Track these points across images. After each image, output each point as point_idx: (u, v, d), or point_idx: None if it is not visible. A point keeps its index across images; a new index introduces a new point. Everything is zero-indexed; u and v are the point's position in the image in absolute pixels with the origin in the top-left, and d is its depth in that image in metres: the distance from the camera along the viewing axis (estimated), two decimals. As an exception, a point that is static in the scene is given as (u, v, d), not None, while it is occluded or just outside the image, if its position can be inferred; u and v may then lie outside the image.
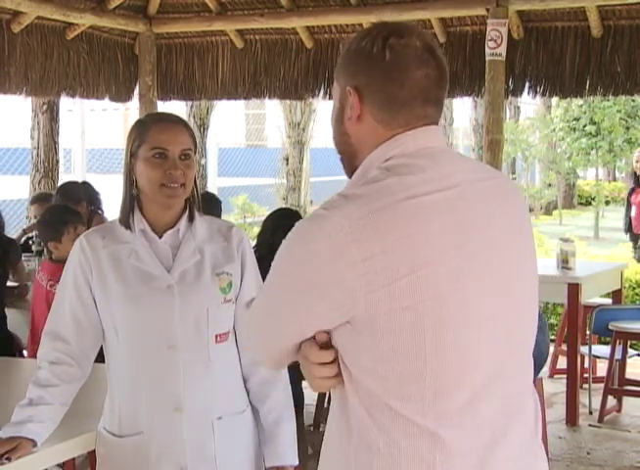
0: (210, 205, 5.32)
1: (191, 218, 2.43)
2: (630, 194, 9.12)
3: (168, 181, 2.32)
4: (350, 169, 1.62)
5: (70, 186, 6.25)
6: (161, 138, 2.34)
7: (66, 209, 4.80)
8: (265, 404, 2.48)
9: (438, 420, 1.48)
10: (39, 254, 5.69)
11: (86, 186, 6.35)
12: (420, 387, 1.48)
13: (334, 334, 1.54)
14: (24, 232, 6.46)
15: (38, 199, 6.45)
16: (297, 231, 1.52)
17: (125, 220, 2.40)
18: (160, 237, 2.40)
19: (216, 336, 2.38)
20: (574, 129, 19.12)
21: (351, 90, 1.57)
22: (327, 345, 1.55)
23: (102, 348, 2.46)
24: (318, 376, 1.56)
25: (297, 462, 2.51)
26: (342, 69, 1.62)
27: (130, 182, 2.39)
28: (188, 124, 2.47)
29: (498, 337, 1.53)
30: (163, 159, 2.33)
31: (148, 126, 2.38)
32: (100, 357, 2.49)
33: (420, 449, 1.48)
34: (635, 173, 9.01)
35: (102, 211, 6.25)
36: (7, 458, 2.24)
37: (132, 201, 2.40)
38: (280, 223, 4.64)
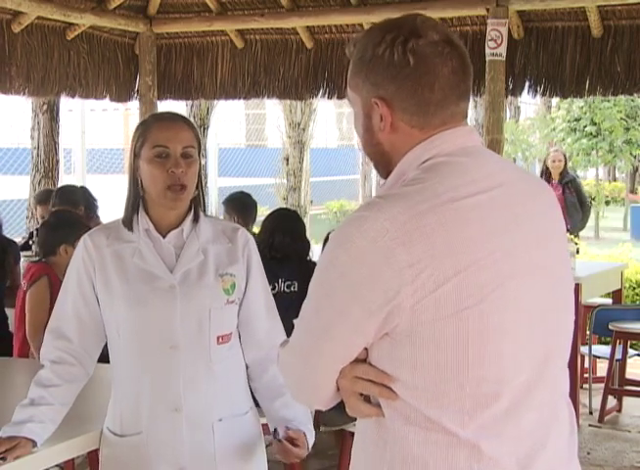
0: (244, 207, 5.29)
1: (195, 219, 2.42)
2: None
3: (171, 181, 2.31)
4: (387, 173, 1.57)
5: (69, 189, 6.25)
6: (162, 136, 2.33)
7: (78, 215, 4.81)
8: (277, 401, 2.45)
9: (478, 430, 1.44)
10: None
11: (84, 191, 6.35)
12: (460, 397, 1.44)
13: (369, 347, 1.50)
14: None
15: (45, 200, 6.41)
16: (337, 237, 1.47)
17: (129, 221, 2.39)
18: (164, 237, 2.39)
19: (218, 337, 2.37)
20: (575, 130, 19.13)
21: (378, 102, 1.52)
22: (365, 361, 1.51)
23: (107, 348, 2.46)
24: (372, 392, 1.51)
25: (313, 439, 2.46)
26: (361, 78, 1.55)
27: (135, 183, 2.38)
28: (191, 122, 2.46)
29: (538, 342, 1.50)
30: (165, 158, 2.32)
31: (150, 125, 2.38)
32: (104, 358, 2.48)
33: (457, 460, 1.45)
34: (548, 171, 9.17)
35: (97, 216, 6.25)
36: (2, 458, 2.24)
37: (137, 201, 2.39)
38: (279, 223, 4.63)
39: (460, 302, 1.41)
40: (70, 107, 13.64)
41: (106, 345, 2.46)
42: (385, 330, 1.45)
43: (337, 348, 1.50)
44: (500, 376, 1.45)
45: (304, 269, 4.27)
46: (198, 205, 2.43)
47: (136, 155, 2.36)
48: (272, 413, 2.48)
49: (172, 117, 2.43)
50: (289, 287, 4.44)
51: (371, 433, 1.53)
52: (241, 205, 5.33)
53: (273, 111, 18.30)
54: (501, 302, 1.44)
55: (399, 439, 1.47)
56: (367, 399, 1.53)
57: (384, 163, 1.58)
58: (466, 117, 1.58)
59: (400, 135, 1.53)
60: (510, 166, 1.62)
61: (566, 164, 9.35)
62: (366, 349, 1.50)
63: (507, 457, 1.46)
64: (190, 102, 11.75)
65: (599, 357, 6.28)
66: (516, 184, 1.55)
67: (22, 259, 5.40)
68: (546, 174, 9.20)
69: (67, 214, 4.64)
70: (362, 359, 1.51)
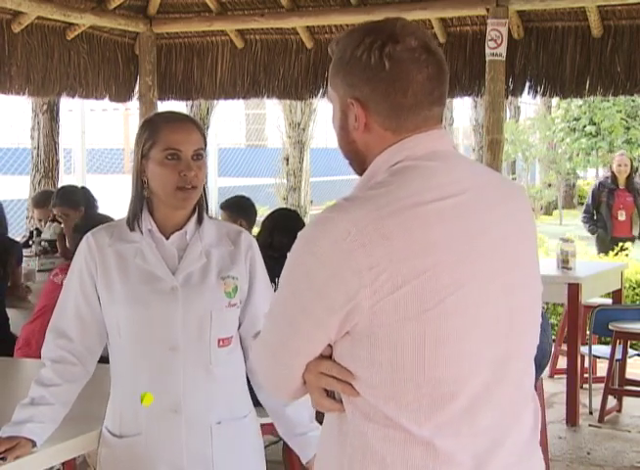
0: (247, 210, 5.28)
1: (199, 221, 2.41)
2: (609, 196, 9.14)
3: (183, 183, 2.30)
4: (361, 171, 1.61)
5: (70, 190, 6.23)
6: (174, 139, 2.31)
7: (107, 216, 4.84)
8: (287, 408, 2.45)
9: (434, 429, 1.47)
10: (39, 254, 5.70)
11: (85, 191, 6.35)
12: (416, 396, 1.47)
13: (334, 344, 1.53)
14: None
15: (42, 203, 6.39)
16: (304, 237, 1.50)
17: (132, 222, 2.38)
18: (168, 238, 2.39)
19: (219, 340, 2.37)
20: (575, 130, 19.14)
21: (354, 102, 1.56)
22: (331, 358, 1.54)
23: (107, 348, 2.45)
24: (335, 388, 1.54)
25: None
26: (339, 79, 1.59)
27: (141, 184, 2.36)
28: (199, 123, 2.45)
29: (499, 343, 1.52)
30: (177, 160, 2.31)
31: (159, 127, 2.34)
32: (103, 358, 2.48)
33: (413, 457, 1.48)
34: (614, 176, 9.14)
35: None
36: (2, 458, 2.24)
37: (141, 202, 2.38)
38: (278, 224, 4.63)
39: (420, 304, 1.43)
40: (70, 107, 13.64)
41: (106, 345, 2.46)
42: (346, 328, 1.48)
43: (301, 342, 1.54)
44: (457, 377, 1.48)
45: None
46: (202, 207, 2.42)
47: (144, 156, 2.34)
48: (283, 421, 2.49)
49: (182, 119, 2.41)
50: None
51: (334, 427, 1.57)
52: (243, 208, 5.32)
53: (273, 111, 18.31)
54: (460, 305, 1.46)
55: (359, 434, 1.51)
56: (332, 394, 1.57)
57: (358, 161, 1.61)
58: (440, 121, 1.60)
59: (374, 136, 1.57)
60: (480, 170, 1.64)
61: (632, 167, 9.26)
62: (331, 346, 1.53)
63: (463, 455, 1.49)
64: (190, 102, 11.75)
65: (599, 357, 6.28)
66: (484, 189, 1.57)
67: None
68: (612, 179, 9.14)
69: (95, 215, 4.67)
70: (328, 356, 1.54)
